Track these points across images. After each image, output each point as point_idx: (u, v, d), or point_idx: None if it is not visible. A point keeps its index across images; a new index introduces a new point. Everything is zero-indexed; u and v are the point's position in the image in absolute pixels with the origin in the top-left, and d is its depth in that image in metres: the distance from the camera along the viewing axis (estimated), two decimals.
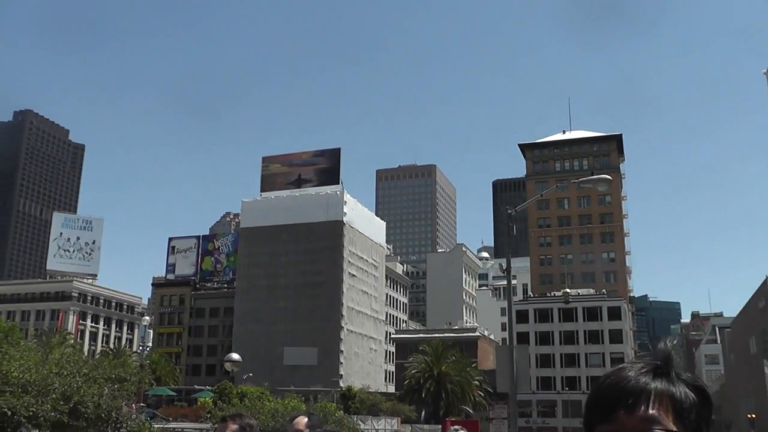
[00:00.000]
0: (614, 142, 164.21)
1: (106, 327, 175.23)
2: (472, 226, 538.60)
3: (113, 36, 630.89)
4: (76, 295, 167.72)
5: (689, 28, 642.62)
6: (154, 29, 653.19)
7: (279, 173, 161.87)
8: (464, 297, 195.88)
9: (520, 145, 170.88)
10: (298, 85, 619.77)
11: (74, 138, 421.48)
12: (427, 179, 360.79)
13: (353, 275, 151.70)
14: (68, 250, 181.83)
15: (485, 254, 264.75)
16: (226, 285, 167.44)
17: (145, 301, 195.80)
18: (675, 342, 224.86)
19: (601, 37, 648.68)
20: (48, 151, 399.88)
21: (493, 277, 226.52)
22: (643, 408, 2.11)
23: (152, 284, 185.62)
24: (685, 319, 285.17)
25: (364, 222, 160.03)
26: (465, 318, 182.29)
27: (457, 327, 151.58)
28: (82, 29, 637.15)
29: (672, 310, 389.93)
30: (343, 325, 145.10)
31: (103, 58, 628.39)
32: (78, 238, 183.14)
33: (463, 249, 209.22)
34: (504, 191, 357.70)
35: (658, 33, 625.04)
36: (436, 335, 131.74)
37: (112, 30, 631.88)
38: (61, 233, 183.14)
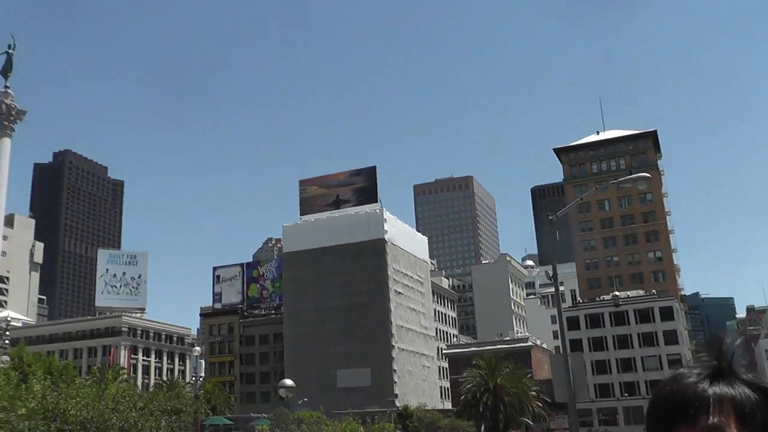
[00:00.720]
0: (650, 139, 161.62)
1: (157, 360, 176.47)
2: (514, 234, 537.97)
3: (142, 67, 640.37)
4: (126, 329, 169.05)
5: (713, 13, 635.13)
6: (179, 56, 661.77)
7: (317, 195, 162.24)
8: (513, 307, 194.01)
9: (555, 150, 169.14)
10: (330, 105, 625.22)
11: (113, 174, 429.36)
12: (464, 191, 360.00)
13: (399, 293, 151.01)
14: (115, 286, 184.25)
15: (530, 262, 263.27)
16: (273, 311, 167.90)
17: (194, 332, 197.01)
18: (737, 342, 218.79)
19: (611, 30, 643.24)
20: (88, 189, 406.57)
21: (540, 285, 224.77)
22: (704, 418, 2.03)
23: (200, 314, 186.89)
24: (741, 314, 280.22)
25: (405, 238, 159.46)
26: (515, 328, 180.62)
27: (508, 338, 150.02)
28: (110, 64, 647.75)
29: (726, 305, 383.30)
30: (393, 343, 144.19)
31: (134, 92, 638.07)
32: (124, 273, 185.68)
33: (508, 258, 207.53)
34: (543, 197, 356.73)
35: (674, 22, 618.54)
36: (488, 348, 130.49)
37: (140, 63, 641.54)
38: (107, 270, 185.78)
